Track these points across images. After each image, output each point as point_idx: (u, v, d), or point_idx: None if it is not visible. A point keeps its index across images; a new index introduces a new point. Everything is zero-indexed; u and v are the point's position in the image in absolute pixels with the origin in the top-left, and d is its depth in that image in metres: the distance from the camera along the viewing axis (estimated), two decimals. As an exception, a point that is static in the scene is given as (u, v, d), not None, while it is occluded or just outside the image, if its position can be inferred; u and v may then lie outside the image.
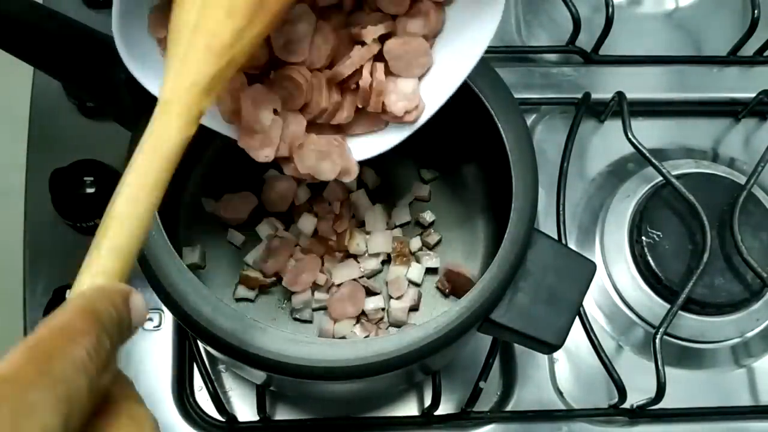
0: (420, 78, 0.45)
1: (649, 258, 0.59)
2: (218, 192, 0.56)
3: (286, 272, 0.54)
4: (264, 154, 0.43)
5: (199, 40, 0.34)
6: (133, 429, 0.25)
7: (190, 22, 0.35)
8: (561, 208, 0.61)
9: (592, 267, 0.46)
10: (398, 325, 0.55)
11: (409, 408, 0.58)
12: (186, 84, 0.34)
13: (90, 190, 0.56)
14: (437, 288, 0.56)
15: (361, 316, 0.55)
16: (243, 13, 0.35)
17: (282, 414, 0.57)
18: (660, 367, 0.55)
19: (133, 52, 0.40)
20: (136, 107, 0.45)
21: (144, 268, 0.43)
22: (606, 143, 0.66)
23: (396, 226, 0.58)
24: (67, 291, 0.54)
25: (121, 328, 0.27)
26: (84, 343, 0.24)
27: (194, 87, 0.34)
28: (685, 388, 0.59)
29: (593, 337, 0.57)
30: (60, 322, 0.25)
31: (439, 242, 0.58)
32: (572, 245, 0.62)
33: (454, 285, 0.55)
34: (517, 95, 0.49)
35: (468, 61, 0.43)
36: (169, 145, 0.32)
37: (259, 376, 0.51)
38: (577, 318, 0.48)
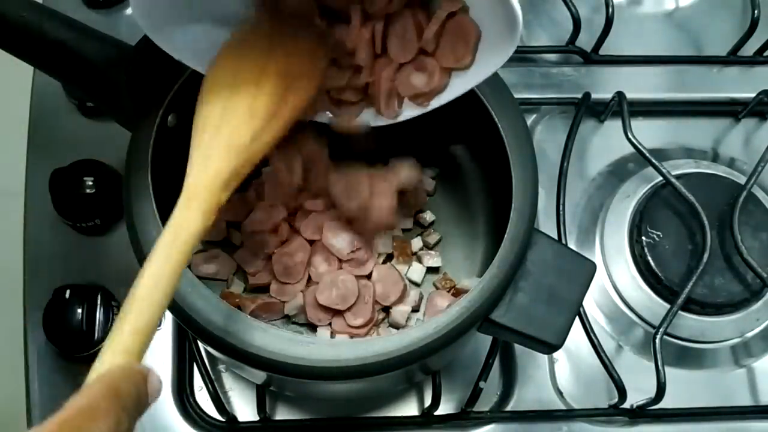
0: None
1: (649, 258, 0.59)
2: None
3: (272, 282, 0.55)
4: None
5: (221, 140, 0.37)
6: None
7: (212, 123, 0.38)
8: (561, 208, 0.61)
9: (592, 267, 0.46)
10: (398, 326, 0.55)
11: (409, 408, 0.58)
12: (207, 180, 0.36)
13: (90, 190, 0.56)
14: (436, 287, 0.56)
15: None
16: (262, 116, 0.38)
17: (282, 414, 0.57)
18: (660, 367, 0.55)
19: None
20: (136, 107, 0.45)
21: (144, 268, 0.43)
22: (606, 143, 0.66)
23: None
24: (66, 290, 0.54)
25: (139, 405, 0.30)
26: (106, 422, 0.27)
27: (215, 183, 0.37)
28: (685, 388, 0.59)
29: (593, 337, 0.57)
30: (85, 402, 0.28)
31: (439, 242, 0.58)
32: (572, 245, 0.62)
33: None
34: (517, 95, 0.49)
35: (469, 82, 0.43)
36: (189, 235, 0.35)
37: (259, 376, 0.51)
38: (577, 318, 0.48)
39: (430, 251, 0.57)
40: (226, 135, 0.37)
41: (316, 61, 0.43)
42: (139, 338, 0.31)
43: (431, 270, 0.57)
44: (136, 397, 0.30)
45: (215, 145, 0.37)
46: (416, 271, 0.56)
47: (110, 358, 0.31)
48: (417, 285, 0.56)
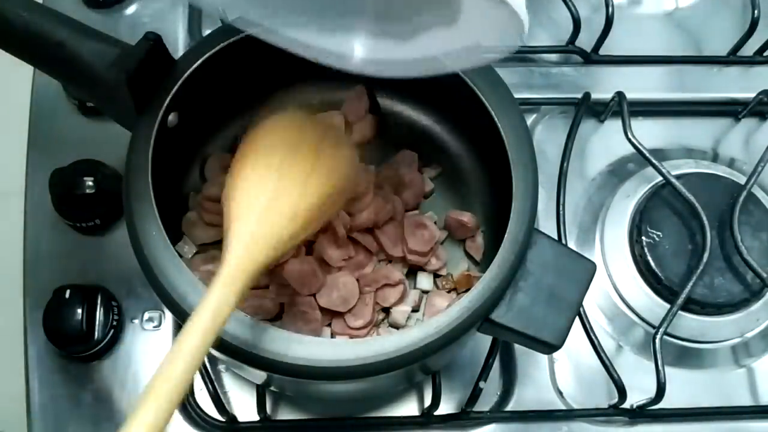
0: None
1: (649, 258, 0.59)
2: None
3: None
4: None
5: (265, 232, 0.40)
6: None
7: (256, 211, 0.40)
8: (561, 208, 0.61)
9: (592, 267, 0.46)
10: (398, 326, 0.55)
11: (409, 408, 0.58)
12: (248, 268, 0.39)
13: (90, 190, 0.56)
14: (437, 287, 0.56)
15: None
16: (301, 222, 0.41)
17: (282, 414, 0.57)
18: (660, 367, 0.55)
19: None
20: (136, 107, 0.45)
21: (144, 268, 0.43)
22: (606, 143, 0.66)
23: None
24: (66, 290, 0.54)
25: None
26: None
27: (254, 271, 0.39)
28: (685, 388, 0.59)
29: (593, 337, 0.57)
30: None
31: (441, 243, 0.57)
32: (572, 245, 0.62)
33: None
34: (517, 95, 0.49)
35: (464, 63, 0.42)
36: (224, 318, 0.37)
37: (259, 376, 0.51)
38: (577, 318, 0.48)
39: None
40: (266, 236, 0.40)
41: (351, 176, 0.46)
42: (164, 415, 0.33)
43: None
44: None
45: (260, 235, 0.40)
46: (425, 280, 0.56)
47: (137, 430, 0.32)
48: (425, 292, 0.56)
